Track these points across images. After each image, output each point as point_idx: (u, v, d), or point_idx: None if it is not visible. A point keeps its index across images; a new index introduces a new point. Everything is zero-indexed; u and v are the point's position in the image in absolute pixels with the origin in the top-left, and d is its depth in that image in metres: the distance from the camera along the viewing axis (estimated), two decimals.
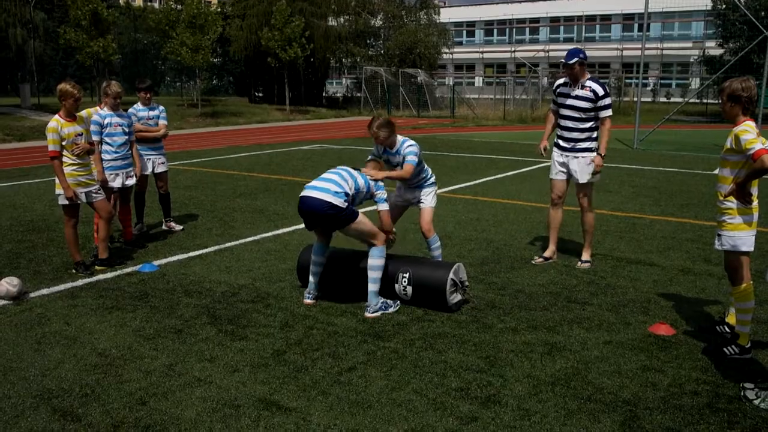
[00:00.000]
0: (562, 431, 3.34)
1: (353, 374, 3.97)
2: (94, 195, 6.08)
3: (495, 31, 54.25)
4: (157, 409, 3.56)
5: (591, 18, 49.23)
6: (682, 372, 4.00)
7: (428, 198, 5.64)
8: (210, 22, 27.83)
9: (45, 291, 5.56)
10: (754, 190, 4.13)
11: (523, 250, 6.82)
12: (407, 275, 5.05)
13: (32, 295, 5.46)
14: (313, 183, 4.92)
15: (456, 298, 5.03)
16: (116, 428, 3.37)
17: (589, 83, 6.04)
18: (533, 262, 6.38)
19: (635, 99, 24.28)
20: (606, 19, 48.83)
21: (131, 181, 6.97)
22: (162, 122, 7.65)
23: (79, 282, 5.80)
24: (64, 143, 5.80)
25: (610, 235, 7.46)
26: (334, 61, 40.52)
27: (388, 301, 5.04)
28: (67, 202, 5.88)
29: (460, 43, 53.76)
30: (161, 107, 7.73)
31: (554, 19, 50.87)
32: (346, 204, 4.82)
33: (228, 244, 7.10)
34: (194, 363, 4.13)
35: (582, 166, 6.14)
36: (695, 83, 41.48)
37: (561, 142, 6.24)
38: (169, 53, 27.84)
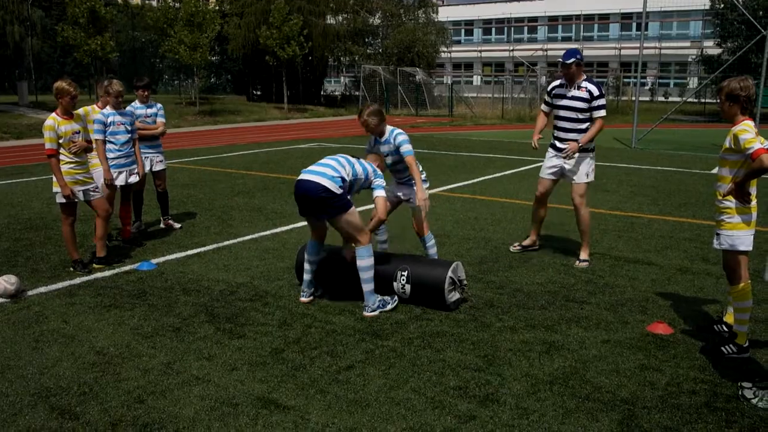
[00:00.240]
0: (560, 430, 3.34)
1: (351, 373, 3.97)
2: (91, 193, 6.07)
3: (493, 30, 54.25)
4: (155, 407, 3.55)
5: (589, 17, 49.26)
6: (680, 371, 4.01)
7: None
8: (208, 20, 27.79)
9: (43, 289, 5.55)
10: (753, 190, 4.13)
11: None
12: (406, 274, 5.05)
13: (30, 293, 5.45)
14: (311, 167, 4.89)
15: (454, 296, 5.03)
16: (114, 426, 3.36)
17: (584, 84, 6.09)
18: (510, 249, 6.67)
19: (633, 98, 24.29)
20: (604, 18, 48.86)
21: (134, 179, 6.97)
22: (160, 120, 7.65)
23: (77, 280, 5.79)
24: (61, 141, 5.79)
25: (608, 235, 7.47)
26: (333, 59, 40.47)
27: (386, 297, 5.03)
28: (64, 201, 5.87)
29: (459, 42, 53.76)
30: (159, 105, 7.72)
31: (552, 19, 50.89)
32: (341, 191, 4.75)
33: (226, 243, 7.09)
34: (192, 361, 4.13)
35: (577, 165, 6.19)
36: (693, 83, 41.54)
37: (557, 143, 6.28)
38: (167, 51, 27.80)
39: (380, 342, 4.43)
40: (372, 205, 5.16)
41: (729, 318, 4.53)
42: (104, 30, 26.02)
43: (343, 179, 4.78)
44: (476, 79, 53.17)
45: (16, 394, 3.70)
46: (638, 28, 44.07)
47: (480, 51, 52.15)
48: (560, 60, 6.12)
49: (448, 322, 4.81)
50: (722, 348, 4.22)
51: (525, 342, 4.44)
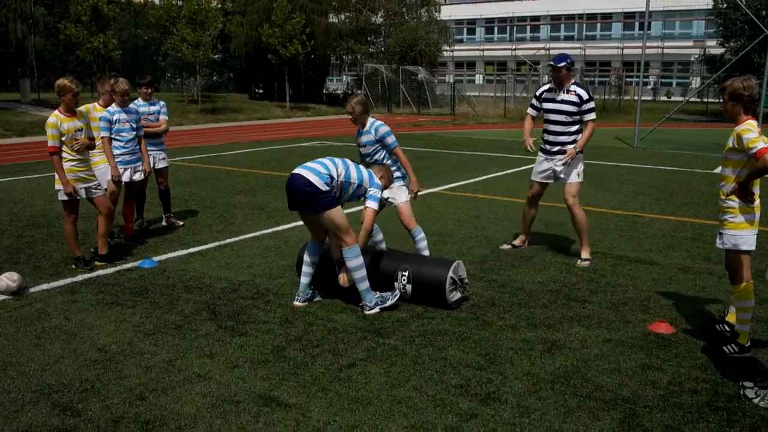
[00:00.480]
0: (562, 429, 3.34)
1: (353, 371, 3.97)
2: (93, 191, 6.07)
3: (496, 28, 54.20)
4: (156, 404, 3.56)
5: (592, 16, 49.19)
6: (681, 370, 4.01)
7: (400, 194, 5.68)
8: (210, 18, 27.81)
9: (45, 286, 5.56)
10: (756, 189, 4.12)
11: (522, 248, 6.82)
12: (407, 273, 5.05)
13: (32, 290, 5.46)
14: (304, 164, 4.92)
15: (456, 295, 5.03)
16: (116, 423, 3.37)
17: (573, 87, 6.19)
18: (501, 247, 6.76)
19: (636, 98, 24.26)
20: (607, 17, 48.79)
21: (139, 176, 6.97)
22: (163, 118, 7.66)
23: (79, 277, 5.80)
24: (63, 139, 5.79)
25: (610, 234, 7.46)
26: (335, 58, 40.48)
27: (384, 294, 4.99)
28: (66, 198, 5.87)
29: (461, 41, 53.67)
30: (162, 103, 7.73)
31: (555, 18, 50.82)
32: (328, 188, 4.73)
33: (228, 241, 7.10)
34: (194, 359, 4.13)
35: (569, 168, 6.27)
36: (696, 82, 41.45)
37: (548, 147, 6.38)
38: (170, 49, 27.81)
39: (382, 340, 4.43)
40: (361, 207, 5.14)
41: (731, 317, 4.53)
42: (107, 28, 26.05)
43: (331, 178, 4.77)
44: (478, 78, 53.10)
45: (18, 391, 3.71)
46: (641, 28, 43.89)
47: (482, 50, 52.09)
48: (551, 63, 6.26)
49: (449, 320, 4.81)
50: (724, 347, 4.22)
51: (526, 341, 4.44)
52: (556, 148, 6.28)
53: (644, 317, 4.88)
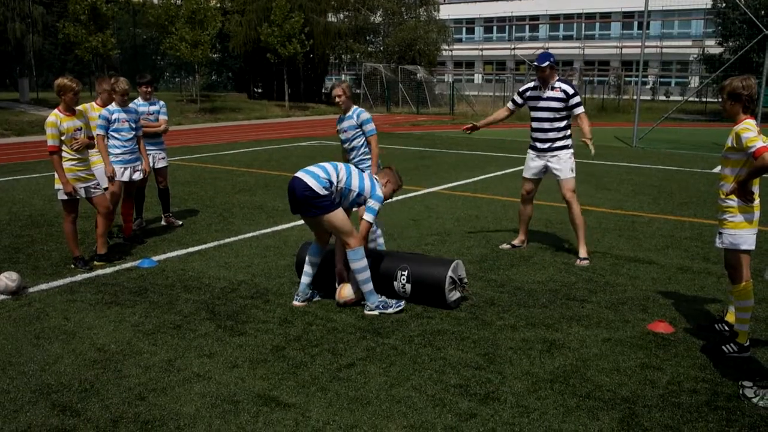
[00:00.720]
0: (561, 428, 3.34)
1: (352, 370, 3.97)
2: (93, 190, 6.07)
3: (494, 28, 54.19)
4: (156, 404, 3.56)
5: (591, 16, 49.19)
6: (680, 370, 4.01)
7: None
8: (209, 17, 27.78)
9: (44, 286, 5.55)
10: (756, 189, 4.13)
11: (522, 248, 6.82)
12: (406, 273, 5.05)
13: (31, 290, 5.46)
14: (307, 167, 4.92)
15: (455, 295, 5.03)
16: (115, 423, 3.37)
17: (558, 84, 6.29)
18: (500, 247, 6.79)
19: (635, 97, 24.27)
20: (606, 17, 48.79)
21: (138, 176, 6.96)
22: (162, 117, 7.66)
23: (78, 277, 5.79)
24: (63, 138, 5.78)
25: (609, 233, 7.46)
26: (334, 57, 40.44)
27: (389, 300, 4.97)
28: (66, 197, 5.86)
29: (460, 40, 53.64)
30: (162, 102, 7.72)
31: (554, 17, 50.83)
32: (326, 193, 4.74)
33: (227, 240, 7.10)
34: (193, 358, 4.13)
35: (562, 163, 6.34)
36: (695, 82, 41.49)
37: (538, 145, 6.45)
38: (168, 49, 27.78)
39: (381, 340, 4.43)
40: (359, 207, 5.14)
41: (730, 317, 4.53)
42: (105, 27, 26.03)
43: (330, 182, 4.78)
44: (477, 78, 53.08)
45: (17, 391, 3.70)
46: (640, 27, 44.00)
47: (481, 49, 52.09)
48: (534, 63, 6.37)
49: (448, 320, 4.81)
50: (723, 347, 4.22)
51: (526, 340, 4.44)
52: (546, 146, 6.36)
53: (643, 317, 4.89)
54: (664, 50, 44.18)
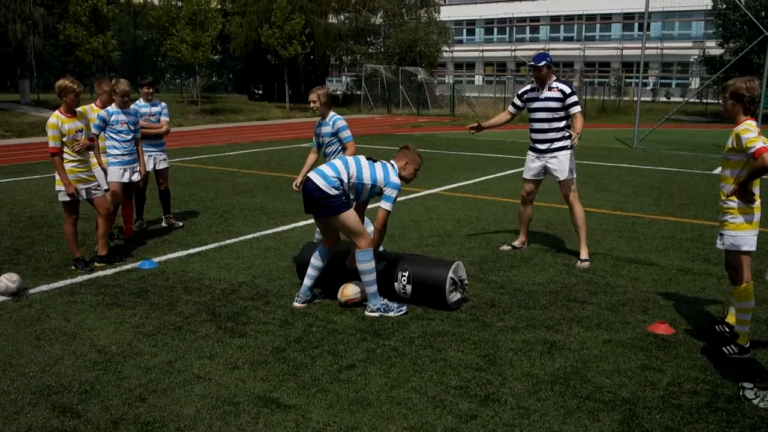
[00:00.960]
0: (561, 430, 3.34)
1: (353, 372, 3.97)
2: (93, 191, 6.08)
3: (495, 29, 54.21)
4: (156, 405, 3.56)
5: (591, 17, 49.21)
6: (681, 371, 4.01)
7: None
8: (210, 18, 27.81)
9: (44, 287, 5.56)
10: (756, 190, 4.13)
11: (522, 249, 6.82)
12: (407, 274, 5.05)
13: (32, 291, 5.46)
14: (319, 166, 4.95)
15: (455, 296, 5.03)
16: (116, 425, 3.37)
17: (555, 84, 6.29)
18: (501, 248, 6.79)
19: (635, 98, 24.27)
20: (606, 18, 48.81)
21: (136, 177, 6.96)
22: (164, 119, 7.66)
23: (79, 278, 5.79)
24: (64, 139, 5.79)
25: (610, 235, 7.46)
26: (334, 58, 40.46)
27: (391, 303, 4.96)
28: (67, 199, 5.87)
29: (461, 42, 53.67)
30: (163, 104, 7.73)
31: (554, 18, 50.86)
32: (336, 193, 4.73)
33: (227, 242, 7.10)
34: (194, 360, 4.13)
35: (561, 164, 6.34)
36: (695, 83, 41.47)
37: (537, 145, 6.45)
38: (169, 50, 27.81)
39: (381, 341, 4.43)
40: (376, 204, 5.15)
41: (730, 318, 4.53)
42: (106, 28, 26.07)
43: (341, 181, 4.76)
44: (478, 79, 53.12)
45: (17, 392, 3.71)
46: (640, 28, 44.03)
47: (482, 51, 52.11)
48: (531, 63, 6.36)
49: (449, 321, 4.81)
50: (723, 348, 4.22)
51: (526, 342, 4.44)
52: (545, 146, 6.37)
53: (644, 318, 4.89)
54: (665, 51, 44.18)
